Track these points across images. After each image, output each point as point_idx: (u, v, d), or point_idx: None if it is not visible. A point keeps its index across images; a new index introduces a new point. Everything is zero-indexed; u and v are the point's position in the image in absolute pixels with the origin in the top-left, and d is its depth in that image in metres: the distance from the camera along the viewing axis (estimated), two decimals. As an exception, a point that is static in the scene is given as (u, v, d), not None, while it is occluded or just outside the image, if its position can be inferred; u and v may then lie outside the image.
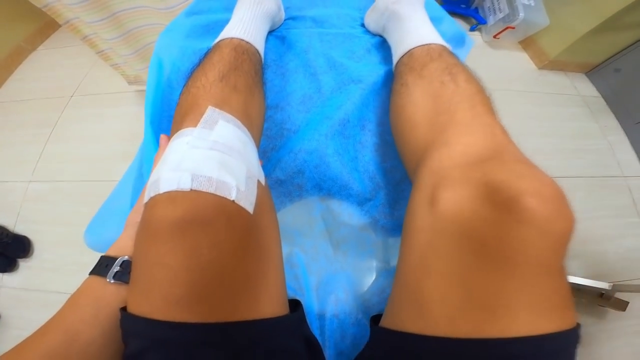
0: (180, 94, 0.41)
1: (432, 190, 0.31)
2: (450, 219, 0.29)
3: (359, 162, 0.50)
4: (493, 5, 1.96)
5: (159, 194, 0.27)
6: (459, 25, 0.69)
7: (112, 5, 1.04)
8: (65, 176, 1.50)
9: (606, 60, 1.88)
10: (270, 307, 0.31)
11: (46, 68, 1.90)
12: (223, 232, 0.27)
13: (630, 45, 1.74)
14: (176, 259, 0.26)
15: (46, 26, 2.01)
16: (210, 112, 0.34)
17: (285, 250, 0.46)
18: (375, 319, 0.38)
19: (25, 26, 1.93)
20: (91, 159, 1.53)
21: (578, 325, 0.28)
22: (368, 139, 0.52)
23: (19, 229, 1.38)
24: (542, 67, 1.97)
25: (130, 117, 1.64)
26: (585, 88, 1.97)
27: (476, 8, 2.11)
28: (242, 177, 0.30)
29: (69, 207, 1.43)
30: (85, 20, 1.10)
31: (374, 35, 0.63)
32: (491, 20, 1.98)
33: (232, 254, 0.27)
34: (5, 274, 1.31)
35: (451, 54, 0.47)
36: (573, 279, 1.22)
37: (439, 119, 0.39)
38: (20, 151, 1.57)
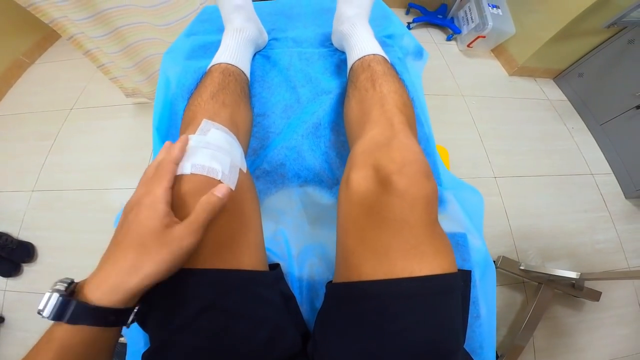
0: (184, 109, 0.53)
1: (347, 173, 0.44)
2: (355, 192, 0.41)
3: (328, 156, 0.63)
4: (466, 16, 2.06)
5: None
6: (417, 40, 0.81)
7: (98, 3, 1.08)
8: (66, 185, 1.54)
9: (570, 65, 1.99)
10: (250, 262, 0.42)
11: (45, 81, 1.93)
12: None
13: (591, 51, 1.85)
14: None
15: (44, 39, 2.03)
16: (204, 123, 0.46)
17: (272, 227, 0.58)
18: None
19: (24, 40, 1.95)
20: (91, 169, 1.58)
21: (452, 273, 0.36)
22: (336, 138, 0.65)
23: (23, 235, 1.42)
24: (512, 73, 2.07)
25: (128, 129, 1.70)
26: (553, 92, 2.07)
27: (452, 18, 2.21)
28: (227, 166, 0.41)
29: (71, 215, 1.48)
30: (90, 35, 1.16)
31: (343, 52, 0.74)
32: (465, 30, 2.07)
33: (218, 216, 0.38)
34: (9, 278, 1.34)
35: (380, 61, 0.57)
36: (543, 269, 1.29)
37: (362, 119, 0.51)
38: (23, 162, 1.61)
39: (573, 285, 1.33)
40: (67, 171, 1.59)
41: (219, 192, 0.37)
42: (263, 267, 0.45)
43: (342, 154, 0.63)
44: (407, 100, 0.53)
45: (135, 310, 0.33)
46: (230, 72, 0.58)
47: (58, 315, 0.29)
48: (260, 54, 0.74)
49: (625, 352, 1.34)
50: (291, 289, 0.53)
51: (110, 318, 0.30)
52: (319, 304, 0.53)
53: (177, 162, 0.38)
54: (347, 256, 0.40)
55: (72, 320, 0.29)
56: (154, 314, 0.37)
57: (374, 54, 0.59)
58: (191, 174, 0.38)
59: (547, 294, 1.32)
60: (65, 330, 0.29)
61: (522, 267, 1.35)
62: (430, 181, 0.39)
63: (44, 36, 2.02)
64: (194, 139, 0.43)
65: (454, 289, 0.37)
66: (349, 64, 0.62)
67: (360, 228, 0.39)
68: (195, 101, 0.52)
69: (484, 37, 1.96)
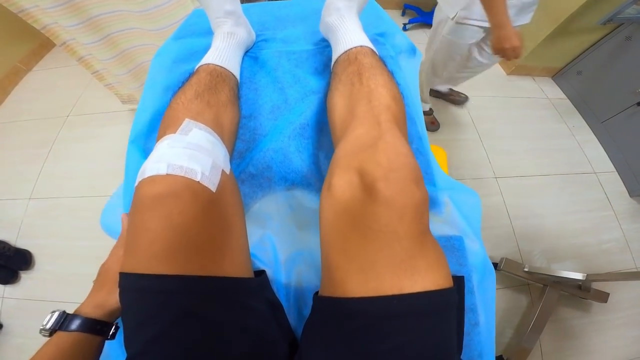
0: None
1: (330, 177, 0.40)
2: (338, 200, 0.37)
3: (317, 157, 0.61)
4: None
5: (144, 178, 0.38)
6: (409, 39, 0.80)
7: (89, 9, 1.08)
8: (63, 193, 1.54)
9: (568, 63, 1.98)
10: (232, 268, 0.40)
11: (42, 89, 1.94)
12: (189, 203, 0.37)
13: (589, 48, 1.84)
14: (154, 223, 0.35)
15: (41, 47, 2.05)
16: (186, 123, 0.44)
17: (258, 232, 0.55)
18: None
19: (21, 47, 1.97)
20: (88, 177, 1.58)
21: (447, 289, 0.33)
22: (323, 139, 0.62)
23: (20, 243, 1.43)
24: (510, 72, 2.06)
25: (125, 136, 1.65)
26: (552, 91, 2.06)
27: None
28: (207, 166, 0.40)
29: (68, 222, 1.48)
30: (82, 42, 1.16)
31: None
32: None
33: (196, 219, 0.37)
34: (7, 285, 1.35)
35: (367, 53, 0.53)
36: (548, 272, 1.27)
37: (347, 116, 0.48)
38: (20, 170, 1.62)
39: (580, 287, 1.31)
40: (64, 179, 1.59)
41: None
42: (247, 274, 0.43)
43: (330, 156, 0.58)
44: (397, 95, 0.49)
45: (115, 324, 0.42)
46: (218, 73, 0.57)
47: (59, 325, 0.40)
48: (248, 55, 0.72)
49: (636, 354, 1.31)
50: (278, 297, 0.51)
51: (96, 327, 0.41)
52: (307, 311, 0.50)
53: None
54: (331, 270, 0.37)
55: (69, 329, 0.40)
56: (129, 323, 0.36)
57: (361, 46, 0.55)
58: (167, 174, 0.37)
59: (553, 296, 1.29)
60: (62, 336, 0.39)
61: (526, 269, 1.33)
62: (420, 188, 0.36)
63: (41, 43, 2.04)
64: (173, 139, 0.41)
65: (448, 305, 0.34)
66: (335, 56, 0.59)
67: (344, 239, 0.36)
68: (178, 99, 0.49)
69: None
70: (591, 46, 1.83)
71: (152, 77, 0.71)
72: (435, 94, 1.86)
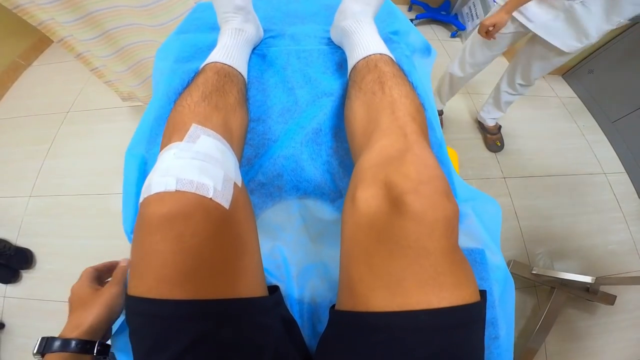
0: (170, 111, 0.47)
1: (354, 189, 0.38)
2: (362, 213, 0.35)
3: (331, 165, 0.57)
4: (470, 12, 2.02)
5: (151, 195, 0.34)
6: (424, 37, 0.76)
7: (87, 4, 1.05)
8: (64, 191, 1.53)
9: (580, 62, 1.94)
10: (247, 288, 0.37)
11: (42, 84, 1.92)
12: (202, 223, 0.34)
13: (601, 47, 1.81)
14: (165, 245, 0.32)
15: (40, 42, 2.02)
16: (194, 129, 0.41)
17: (268, 244, 0.52)
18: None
19: (20, 42, 1.94)
20: (89, 174, 1.57)
21: (474, 303, 0.32)
22: (338, 145, 0.58)
23: (20, 241, 1.41)
24: None
25: (126, 133, 1.62)
26: (562, 90, 2.03)
27: (455, 14, 2.17)
28: (219, 180, 0.36)
29: (69, 220, 1.46)
30: (80, 38, 1.13)
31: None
32: (469, 26, 2.03)
33: (210, 240, 0.34)
34: (9, 285, 1.34)
35: (388, 61, 0.51)
36: (556, 274, 1.26)
37: (369, 126, 0.45)
38: (19, 167, 1.60)
39: (587, 289, 1.30)
40: (64, 176, 1.58)
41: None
42: (261, 292, 0.41)
43: (345, 163, 0.57)
44: (419, 106, 0.47)
45: (98, 342, 0.42)
46: (226, 72, 0.53)
47: (43, 348, 0.40)
48: (256, 53, 0.68)
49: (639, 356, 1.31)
50: (291, 312, 0.48)
51: (77, 346, 0.40)
52: (321, 328, 0.48)
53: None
54: (353, 285, 0.35)
55: (51, 350, 0.40)
56: (139, 348, 0.34)
57: (380, 54, 0.53)
58: (176, 191, 0.33)
59: (560, 298, 1.29)
60: (51, 357, 0.40)
61: (534, 272, 1.32)
62: (451, 201, 0.34)
63: (40, 38, 2.01)
64: (180, 148, 0.38)
65: (476, 320, 0.33)
66: (351, 62, 0.56)
67: (368, 254, 0.34)
68: (184, 102, 0.45)
69: None
70: (604, 45, 1.80)
71: (154, 78, 0.68)
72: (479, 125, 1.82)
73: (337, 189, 0.56)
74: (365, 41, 0.55)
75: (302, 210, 0.55)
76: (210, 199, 0.35)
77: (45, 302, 1.30)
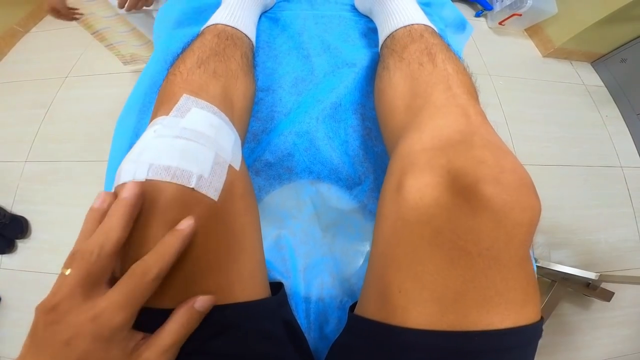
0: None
1: (400, 176, 0.31)
2: (412, 206, 0.28)
3: (350, 146, 0.50)
4: None
5: (119, 185, 0.28)
6: (460, 11, 0.68)
7: None
8: (61, 156, 1.49)
9: (613, 50, 1.87)
10: (245, 291, 0.31)
11: (40, 50, 1.87)
12: (180, 220, 0.27)
13: (638, 37, 1.72)
14: (137, 251, 0.26)
15: (39, 8, 1.97)
16: (184, 100, 0.34)
17: (273, 232, 0.46)
18: (355, 306, 0.38)
19: (18, 9, 1.91)
20: (86, 140, 1.52)
21: (538, 322, 0.27)
22: (359, 123, 0.51)
23: (16, 209, 1.37)
24: (547, 55, 1.96)
25: (126, 98, 1.60)
26: (589, 77, 1.95)
27: None
28: (207, 164, 0.30)
29: (66, 187, 1.42)
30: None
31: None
32: (498, 6, 1.94)
33: (194, 240, 0.27)
34: (4, 255, 1.30)
35: (434, 33, 0.45)
36: (560, 268, 1.22)
37: (415, 102, 0.38)
38: (15, 132, 1.56)
39: (588, 285, 1.29)
40: (61, 141, 1.53)
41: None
42: (262, 293, 0.35)
43: (366, 145, 0.50)
44: (475, 86, 0.40)
45: None
46: (228, 34, 0.45)
47: None
48: (266, 16, 0.60)
49: (623, 352, 1.31)
50: (296, 312, 0.43)
51: None
52: (329, 330, 0.43)
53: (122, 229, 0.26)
54: (388, 294, 0.29)
55: None
56: None
57: (425, 25, 0.46)
58: (147, 180, 0.27)
59: (560, 292, 1.27)
60: None
61: (538, 264, 1.29)
62: (538, 199, 0.27)
63: (39, 5, 1.96)
64: (164, 123, 0.31)
65: (536, 340, 0.27)
66: (387, 31, 0.49)
67: (416, 259, 0.28)
68: (176, 70, 0.39)
69: (520, 15, 1.83)
70: None
71: (155, 43, 0.60)
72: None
73: (355, 175, 0.49)
74: (405, 9, 0.48)
75: (313, 196, 0.48)
76: (193, 189, 0.28)
77: (42, 274, 1.27)
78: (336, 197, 0.47)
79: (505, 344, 0.25)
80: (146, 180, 0.27)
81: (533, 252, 1.32)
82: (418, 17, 0.47)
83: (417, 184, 0.29)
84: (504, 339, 0.25)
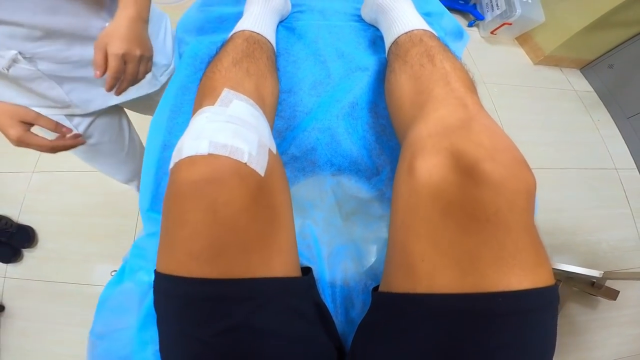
0: (200, 79, 0.45)
1: (410, 159, 0.35)
2: (423, 184, 0.32)
3: (367, 141, 0.55)
4: (491, 2, 1.99)
5: (182, 159, 0.31)
6: (457, 21, 0.74)
7: None
8: (67, 167, 1.49)
9: (600, 56, 1.93)
10: (282, 267, 0.34)
11: None
12: (236, 190, 0.31)
13: (624, 42, 1.79)
14: (196, 215, 0.30)
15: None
16: (226, 93, 0.38)
17: (298, 222, 0.49)
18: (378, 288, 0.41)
19: None
20: None
21: (553, 285, 0.30)
22: (375, 121, 0.56)
23: (22, 219, 1.37)
24: (537, 62, 2.02)
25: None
26: (579, 83, 2.02)
27: (474, 4, 2.14)
28: (254, 145, 0.34)
29: (72, 197, 1.43)
30: None
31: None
32: (489, 16, 2.01)
33: (244, 210, 0.31)
34: (9, 264, 1.30)
35: (432, 36, 0.50)
36: (564, 267, 1.23)
37: (419, 97, 0.42)
38: None
39: (593, 284, 1.31)
40: (68, 152, 1.53)
41: None
42: (296, 272, 0.38)
43: (381, 140, 0.55)
44: (473, 80, 0.45)
45: None
46: (255, 39, 0.51)
47: None
48: (283, 26, 0.66)
49: (635, 352, 1.33)
50: (323, 297, 0.46)
51: None
52: (354, 314, 0.46)
53: None
54: (412, 262, 0.32)
55: None
56: (165, 331, 0.32)
57: (424, 29, 0.51)
58: (209, 154, 0.31)
59: (565, 292, 1.29)
60: None
61: None
62: (531, 173, 0.31)
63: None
64: (212, 111, 0.35)
65: (554, 304, 0.30)
66: (391, 38, 0.54)
67: (433, 229, 0.31)
68: (214, 68, 0.44)
69: (510, 24, 1.90)
70: (627, 40, 1.78)
71: (177, 50, 0.66)
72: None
73: (373, 166, 0.53)
74: (405, 17, 0.54)
75: (334, 187, 0.52)
76: (245, 164, 0.32)
77: (47, 283, 1.27)
78: (356, 187, 0.52)
79: (526, 305, 0.28)
80: (208, 154, 0.31)
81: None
82: (417, 23, 0.52)
83: (426, 164, 0.33)
84: (523, 300, 0.28)
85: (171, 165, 0.33)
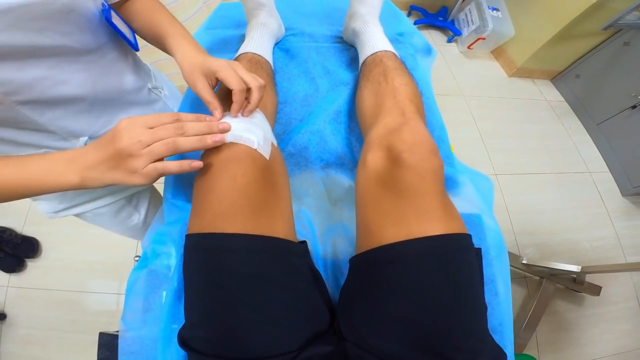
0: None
1: (365, 154, 0.49)
2: (371, 170, 0.46)
3: (349, 141, 0.68)
4: (466, 18, 2.10)
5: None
6: (425, 39, 0.87)
7: None
8: None
9: (567, 67, 2.04)
10: (284, 231, 0.45)
11: None
12: (250, 166, 0.42)
13: (588, 53, 1.90)
14: (221, 183, 0.41)
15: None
16: None
17: (295, 208, 0.59)
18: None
19: None
20: None
21: (466, 234, 0.41)
22: (354, 125, 0.69)
23: (27, 230, 1.40)
24: (511, 74, 2.11)
25: None
26: (551, 93, 2.12)
27: (452, 20, 2.24)
28: (260, 137, 0.45)
29: (76, 208, 1.47)
30: None
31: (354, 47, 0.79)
32: (465, 32, 2.12)
33: (254, 182, 0.42)
34: (12, 274, 1.32)
35: (391, 57, 0.63)
36: (545, 263, 1.30)
37: (375, 109, 0.57)
38: None
39: (574, 280, 1.36)
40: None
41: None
42: (294, 239, 0.48)
43: (361, 140, 0.67)
44: (417, 92, 0.58)
45: None
46: (256, 60, 0.63)
47: None
48: (279, 47, 0.78)
49: (627, 348, 1.38)
50: (317, 267, 0.55)
51: None
52: (343, 281, 0.54)
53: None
54: (367, 225, 0.45)
55: None
56: (192, 283, 0.41)
57: (385, 50, 0.64)
58: (230, 142, 0.43)
59: (549, 289, 1.34)
60: None
61: (524, 262, 1.37)
62: (437, 157, 0.44)
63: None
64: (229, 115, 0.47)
65: (468, 247, 0.41)
66: (362, 58, 0.68)
67: (377, 200, 0.44)
68: None
69: (484, 38, 2.01)
70: (590, 50, 1.89)
71: None
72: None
73: (354, 160, 0.66)
74: (372, 40, 0.67)
75: (324, 178, 0.64)
76: (255, 149, 0.44)
77: (50, 292, 1.30)
78: (341, 178, 0.64)
79: (444, 246, 0.39)
80: (230, 142, 0.43)
81: (519, 252, 1.41)
82: (381, 45, 0.66)
83: (372, 157, 0.47)
84: (441, 241, 0.38)
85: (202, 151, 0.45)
